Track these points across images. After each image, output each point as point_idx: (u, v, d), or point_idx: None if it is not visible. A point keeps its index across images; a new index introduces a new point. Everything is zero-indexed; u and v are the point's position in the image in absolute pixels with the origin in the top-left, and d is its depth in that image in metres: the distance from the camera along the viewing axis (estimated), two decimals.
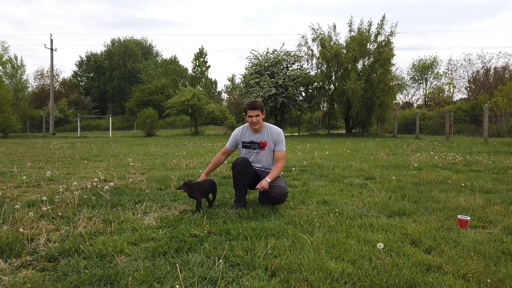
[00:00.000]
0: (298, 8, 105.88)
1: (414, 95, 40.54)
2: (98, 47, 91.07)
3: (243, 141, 3.81)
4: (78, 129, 29.69)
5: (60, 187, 4.63)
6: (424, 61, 37.84)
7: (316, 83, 23.59)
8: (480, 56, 41.52)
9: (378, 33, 21.40)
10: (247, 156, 3.77)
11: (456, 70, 34.17)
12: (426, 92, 37.99)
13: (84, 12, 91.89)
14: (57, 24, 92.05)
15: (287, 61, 23.84)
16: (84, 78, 56.10)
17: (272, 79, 22.74)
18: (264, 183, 3.47)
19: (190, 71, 50.84)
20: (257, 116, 3.63)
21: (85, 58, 55.65)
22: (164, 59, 57.16)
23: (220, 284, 2.02)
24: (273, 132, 3.76)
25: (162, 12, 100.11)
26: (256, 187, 3.52)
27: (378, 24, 21.53)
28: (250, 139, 3.78)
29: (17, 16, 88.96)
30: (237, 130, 3.87)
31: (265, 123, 3.80)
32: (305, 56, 23.87)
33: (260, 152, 3.77)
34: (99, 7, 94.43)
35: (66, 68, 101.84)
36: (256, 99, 3.81)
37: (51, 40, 32.81)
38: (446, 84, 34.86)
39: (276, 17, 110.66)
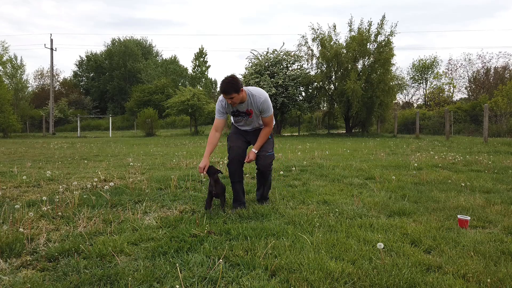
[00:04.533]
0: (298, 8, 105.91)
1: (414, 95, 40.57)
2: (98, 47, 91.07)
3: (231, 111, 3.67)
4: (78, 129, 29.69)
5: (60, 187, 4.63)
6: (424, 61, 37.85)
7: (316, 83, 23.57)
8: (480, 56, 41.53)
9: (378, 33, 21.40)
10: (237, 122, 3.76)
11: (456, 70, 34.22)
12: (426, 92, 37.99)
13: (83, 12, 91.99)
14: (56, 24, 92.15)
15: (287, 61, 23.82)
16: (84, 78, 56.07)
17: (272, 79, 22.74)
18: (251, 155, 3.59)
19: (190, 71, 50.84)
20: (232, 98, 3.37)
21: (85, 58, 55.63)
22: (164, 59, 57.16)
23: (220, 284, 2.02)
24: (257, 101, 3.51)
25: (162, 12, 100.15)
26: (245, 161, 3.60)
27: (378, 24, 21.55)
28: (236, 109, 3.62)
29: (16, 16, 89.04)
30: (222, 103, 3.59)
31: (247, 90, 3.52)
32: (305, 56, 23.88)
33: (248, 119, 3.67)
34: (98, 7, 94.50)
35: (66, 68, 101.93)
36: (228, 79, 3.36)
37: (51, 40, 32.83)
38: (446, 84, 34.89)
39: (276, 17, 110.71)
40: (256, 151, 3.61)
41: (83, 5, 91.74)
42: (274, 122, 3.83)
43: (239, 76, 23.32)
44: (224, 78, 3.37)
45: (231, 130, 3.89)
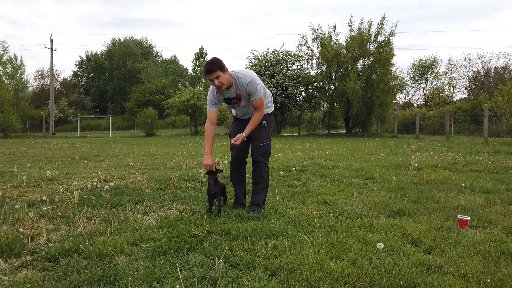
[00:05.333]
0: (298, 8, 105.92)
1: (414, 95, 40.62)
2: (98, 47, 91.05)
3: (223, 99, 3.49)
4: (78, 129, 29.69)
5: (60, 187, 4.63)
6: (424, 61, 37.88)
7: (316, 83, 23.58)
8: (480, 56, 41.69)
9: (378, 33, 21.41)
10: (233, 110, 3.63)
11: (456, 70, 34.26)
12: (426, 92, 38.02)
13: (83, 12, 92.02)
14: (55, 24, 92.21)
15: (287, 61, 23.83)
16: (84, 78, 56.09)
17: (272, 79, 22.73)
18: (240, 139, 3.32)
19: (190, 71, 50.88)
20: (217, 77, 3.18)
21: (85, 58, 55.66)
22: (164, 59, 57.18)
23: (220, 284, 2.02)
24: (243, 83, 3.30)
25: (162, 12, 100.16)
26: (231, 141, 3.40)
27: (378, 24, 21.56)
28: (227, 96, 3.44)
29: (15, 16, 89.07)
30: (213, 92, 3.45)
31: (232, 73, 3.33)
32: (305, 56, 23.89)
33: (240, 104, 3.48)
34: (98, 7, 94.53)
35: (66, 68, 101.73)
36: (210, 59, 3.24)
37: (51, 40, 32.83)
38: (446, 84, 34.92)
39: (276, 17, 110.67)
40: (244, 135, 3.35)
41: (83, 5, 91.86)
42: (272, 106, 3.63)
43: None
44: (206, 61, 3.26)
45: (232, 127, 3.75)
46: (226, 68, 3.23)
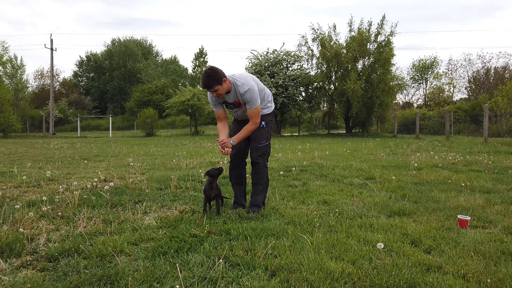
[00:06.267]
0: (298, 8, 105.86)
1: (414, 95, 40.64)
2: (98, 47, 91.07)
3: (220, 102, 3.45)
4: (78, 129, 29.69)
5: (60, 187, 4.63)
6: (424, 61, 37.90)
7: (316, 83, 23.57)
8: (480, 56, 41.69)
9: (378, 33, 21.41)
10: (232, 113, 3.59)
11: (456, 70, 34.28)
12: (426, 92, 38.06)
13: (83, 12, 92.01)
14: (55, 24, 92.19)
15: (287, 61, 23.81)
16: (84, 78, 56.12)
17: (272, 79, 22.72)
18: (228, 144, 3.29)
19: (190, 71, 50.92)
20: (216, 91, 3.16)
21: (85, 58, 55.69)
22: (164, 59, 57.20)
23: (220, 284, 2.02)
24: (240, 91, 3.24)
25: (162, 12, 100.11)
26: (218, 141, 3.37)
27: (378, 24, 21.55)
28: (224, 100, 3.42)
29: (15, 16, 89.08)
30: (211, 98, 3.41)
31: (232, 78, 3.25)
32: (305, 56, 23.87)
33: (239, 110, 3.44)
34: (98, 7, 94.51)
35: (66, 68, 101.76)
36: (207, 71, 3.15)
37: (51, 40, 32.83)
38: (446, 84, 34.95)
39: (276, 17, 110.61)
40: (233, 142, 3.31)
41: (83, 5, 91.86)
42: (272, 106, 3.59)
43: None
44: (203, 71, 3.19)
45: (232, 128, 3.70)
46: (225, 79, 3.16)
